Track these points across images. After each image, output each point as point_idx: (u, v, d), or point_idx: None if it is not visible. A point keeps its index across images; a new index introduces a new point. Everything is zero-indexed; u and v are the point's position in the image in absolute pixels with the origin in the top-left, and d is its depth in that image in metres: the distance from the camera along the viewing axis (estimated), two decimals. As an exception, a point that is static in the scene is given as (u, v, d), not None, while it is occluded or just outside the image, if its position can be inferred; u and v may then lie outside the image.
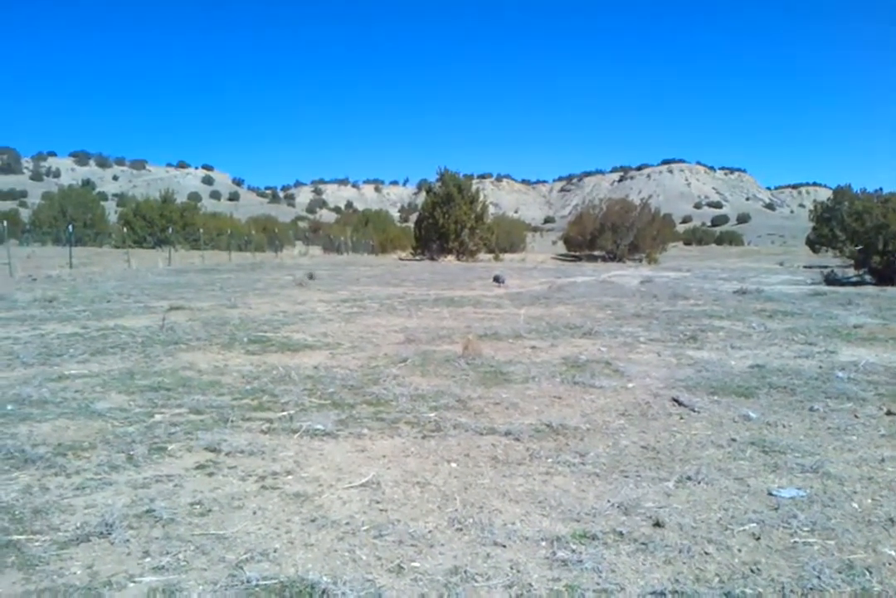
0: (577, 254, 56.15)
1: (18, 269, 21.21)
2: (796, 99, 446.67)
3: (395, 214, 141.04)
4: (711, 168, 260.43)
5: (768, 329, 10.18)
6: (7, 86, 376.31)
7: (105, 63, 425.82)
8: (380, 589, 2.76)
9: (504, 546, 3.16)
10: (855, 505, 3.65)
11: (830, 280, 22.58)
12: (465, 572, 2.90)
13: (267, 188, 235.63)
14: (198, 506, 3.59)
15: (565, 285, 19.52)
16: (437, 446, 4.71)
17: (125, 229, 40.94)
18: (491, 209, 55.71)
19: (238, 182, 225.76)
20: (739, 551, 3.12)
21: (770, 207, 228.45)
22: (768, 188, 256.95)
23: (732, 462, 4.37)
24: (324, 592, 2.70)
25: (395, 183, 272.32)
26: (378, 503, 3.69)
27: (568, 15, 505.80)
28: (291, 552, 3.09)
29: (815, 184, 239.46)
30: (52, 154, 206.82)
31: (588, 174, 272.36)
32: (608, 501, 3.68)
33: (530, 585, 2.80)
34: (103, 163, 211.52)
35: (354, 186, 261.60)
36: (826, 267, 27.87)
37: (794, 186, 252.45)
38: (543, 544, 3.19)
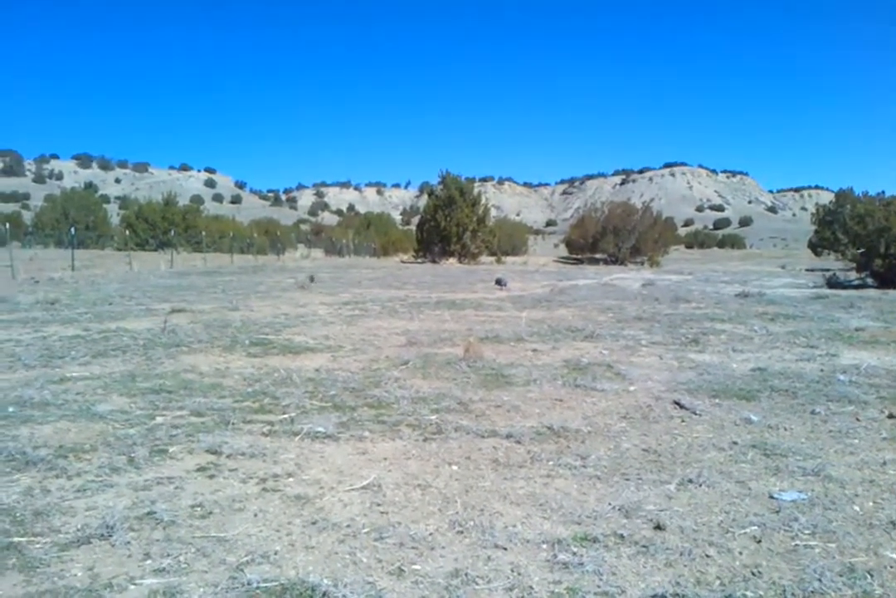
0: (579, 257, 56.23)
1: (21, 271, 21.24)
2: (798, 102, 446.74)
3: (397, 216, 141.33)
4: (713, 171, 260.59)
5: (770, 332, 10.17)
6: (10, 88, 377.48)
7: (108, 65, 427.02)
8: (380, 592, 2.76)
9: (505, 549, 3.16)
10: (856, 508, 3.64)
11: (832, 283, 22.56)
12: (466, 574, 2.90)
13: (269, 191, 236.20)
14: (199, 508, 3.59)
15: (567, 288, 19.51)
16: (438, 448, 4.71)
17: (127, 232, 41.08)
18: (493, 212, 55.76)
19: (240, 185, 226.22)
20: (740, 553, 3.12)
21: (772, 210, 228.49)
22: (770, 191, 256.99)
23: (734, 465, 4.36)
24: (324, 594, 2.70)
25: (397, 186, 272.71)
26: (379, 505, 3.68)
27: (569, 17, 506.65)
28: (292, 554, 3.09)
29: (817, 187, 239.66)
30: (55, 157, 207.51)
31: (590, 177, 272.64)
32: (609, 504, 3.68)
33: (531, 587, 2.80)
34: (106, 165, 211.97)
35: (356, 188, 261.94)
36: (828, 270, 27.86)
37: (797, 190, 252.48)
38: (544, 546, 3.19)
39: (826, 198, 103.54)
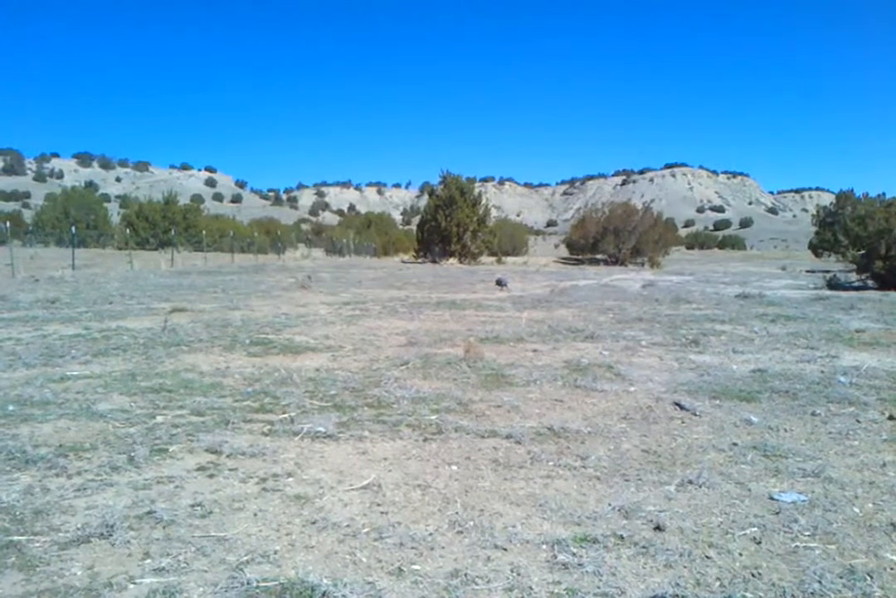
0: (580, 257, 56.21)
1: (21, 270, 21.23)
2: (800, 103, 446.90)
3: (398, 216, 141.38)
4: (714, 172, 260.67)
5: (770, 333, 10.16)
6: (10, 87, 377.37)
7: (109, 64, 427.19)
8: (380, 592, 2.76)
9: (505, 549, 3.16)
10: (856, 510, 3.64)
11: (833, 285, 22.55)
12: (466, 575, 2.90)
13: (270, 190, 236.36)
14: (198, 508, 3.59)
15: (567, 289, 19.51)
16: (438, 448, 4.70)
17: (128, 231, 41.06)
18: (493, 212, 55.72)
19: (241, 184, 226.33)
20: (740, 555, 3.12)
21: (773, 211, 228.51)
22: (771, 192, 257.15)
23: (734, 466, 4.36)
24: (324, 594, 2.70)
25: (397, 186, 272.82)
26: (379, 505, 3.68)
27: (570, 16, 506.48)
28: (292, 553, 3.09)
29: (817, 188, 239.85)
30: (56, 155, 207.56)
31: (591, 178, 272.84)
32: (609, 504, 3.68)
33: (531, 588, 2.80)
34: (106, 164, 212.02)
35: (357, 188, 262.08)
36: (828, 272, 27.86)
37: (797, 191, 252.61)
38: (544, 547, 3.19)
39: (827, 199, 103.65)
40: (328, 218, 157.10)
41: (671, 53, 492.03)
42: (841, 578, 2.89)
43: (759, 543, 3.24)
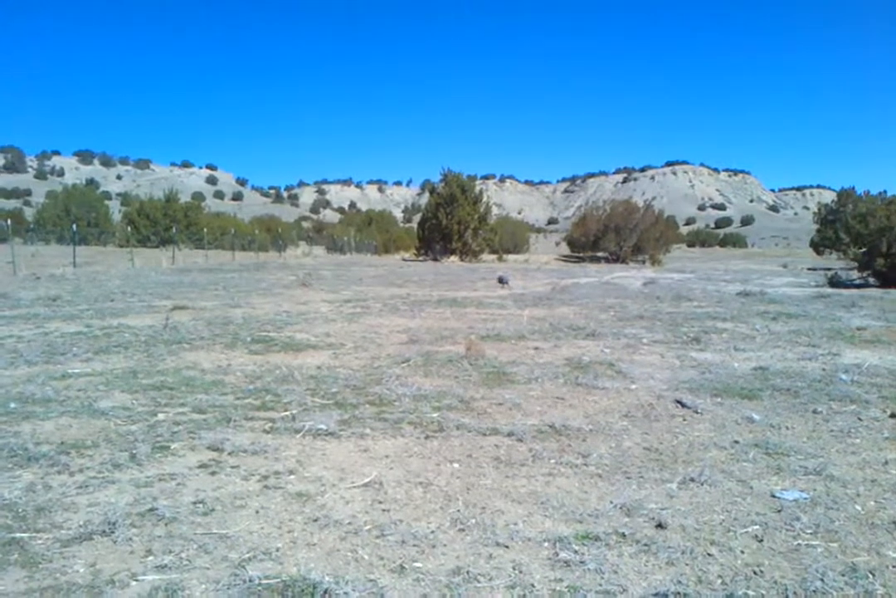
0: (581, 255, 56.15)
1: (22, 267, 21.24)
2: (801, 101, 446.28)
3: (399, 214, 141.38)
4: (715, 170, 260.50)
5: (772, 331, 10.16)
6: (11, 84, 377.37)
7: (110, 62, 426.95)
8: (382, 589, 2.76)
9: (506, 547, 3.16)
10: (858, 508, 3.64)
11: (834, 282, 22.55)
12: (468, 572, 2.90)
13: (271, 188, 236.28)
14: (200, 505, 3.59)
15: (568, 287, 19.51)
16: (439, 446, 4.71)
17: (129, 229, 41.04)
18: (494, 210, 55.75)
19: (242, 182, 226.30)
20: (742, 553, 3.11)
21: (774, 209, 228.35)
22: (772, 190, 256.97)
23: (735, 464, 4.36)
24: (326, 591, 2.70)
25: (398, 183, 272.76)
26: (380, 503, 3.69)
27: (571, 15, 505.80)
28: (294, 551, 3.09)
29: (819, 186, 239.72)
30: (57, 153, 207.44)
31: (592, 175, 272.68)
32: (611, 502, 3.68)
33: (533, 585, 2.80)
34: (107, 162, 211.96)
35: (358, 186, 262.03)
36: (830, 269, 27.85)
37: (799, 189, 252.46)
38: (546, 544, 3.19)
39: (828, 197, 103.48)
40: (329, 216, 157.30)
41: (672, 52, 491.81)
42: (843, 576, 2.89)
43: (761, 541, 3.24)
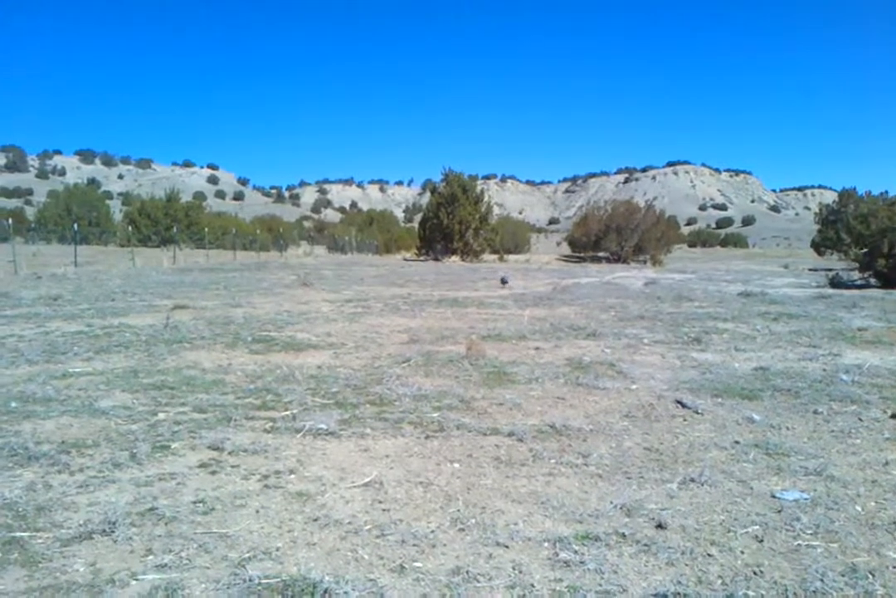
0: (582, 255, 56.10)
1: (24, 267, 21.26)
2: (802, 101, 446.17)
3: (400, 214, 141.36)
4: (716, 170, 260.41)
5: (772, 332, 10.16)
6: (13, 84, 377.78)
7: (111, 62, 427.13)
8: (382, 589, 2.76)
9: (506, 547, 3.16)
10: (858, 508, 3.64)
11: (835, 283, 22.52)
12: (468, 572, 2.90)
13: (272, 188, 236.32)
14: (200, 504, 3.59)
15: (569, 287, 19.50)
16: (440, 446, 4.71)
17: (130, 228, 41.09)
18: (495, 210, 55.73)
19: (243, 182, 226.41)
20: (742, 553, 3.11)
21: (775, 209, 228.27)
22: (773, 190, 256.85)
23: (736, 464, 4.36)
24: (326, 591, 2.70)
25: (399, 183, 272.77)
26: (381, 502, 3.69)
27: (572, 14, 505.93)
28: (294, 551, 3.09)
29: (820, 186, 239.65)
30: (58, 152, 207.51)
31: (593, 175, 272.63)
32: (611, 502, 3.68)
33: (532, 585, 2.80)
34: (109, 161, 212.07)
35: (359, 186, 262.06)
36: (831, 270, 27.81)
37: (800, 189, 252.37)
38: (546, 544, 3.19)
39: (829, 197, 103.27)
40: (330, 215, 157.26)
41: (674, 52, 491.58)
42: (843, 576, 2.88)
43: (761, 541, 3.23)
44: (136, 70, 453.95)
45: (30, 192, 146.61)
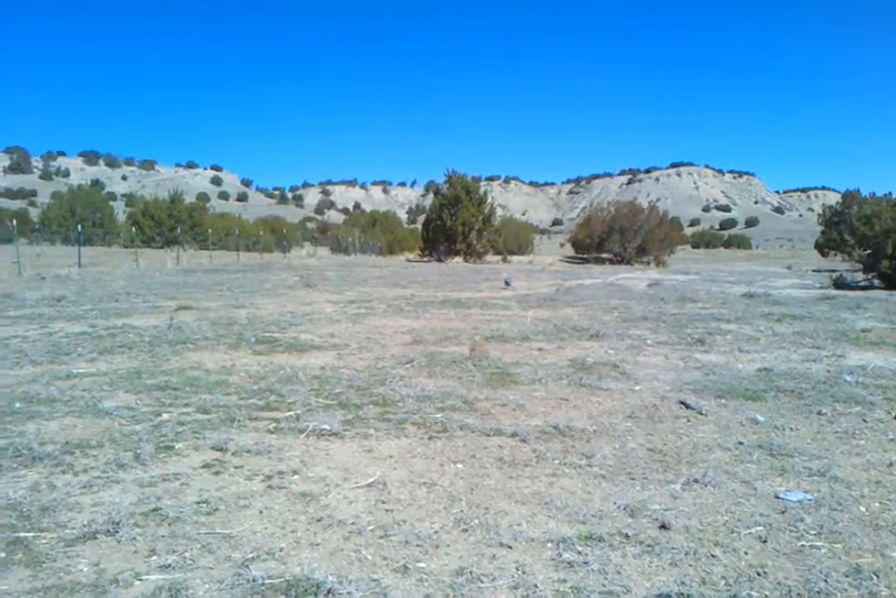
0: (585, 256, 56.08)
1: (27, 268, 21.30)
2: (806, 102, 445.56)
3: (403, 215, 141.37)
4: (720, 171, 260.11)
5: (776, 333, 10.14)
6: (17, 85, 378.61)
7: (115, 63, 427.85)
8: (385, 589, 2.76)
9: (510, 547, 3.16)
10: (862, 509, 3.63)
11: (839, 284, 22.49)
12: (471, 572, 2.90)
13: (275, 189, 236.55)
14: (204, 505, 3.60)
15: (573, 288, 19.49)
16: (443, 447, 4.71)
17: (134, 229, 41.15)
18: (499, 211, 55.66)
19: (246, 183, 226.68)
20: (746, 554, 3.11)
21: (779, 210, 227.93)
22: (777, 192, 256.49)
23: (739, 465, 4.35)
24: (329, 591, 2.70)
25: (403, 184, 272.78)
26: (384, 503, 3.69)
27: (575, 15, 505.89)
28: (297, 551, 3.10)
29: (824, 188, 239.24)
30: (62, 154, 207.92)
31: (596, 177, 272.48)
32: (614, 503, 3.68)
33: (536, 586, 2.80)
34: (112, 163, 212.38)
35: (362, 187, 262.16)
36: (835, 271, 27.81)
37: (803, 190, 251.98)
38: (549, 545, 3.18)
39: (833, 199, 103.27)
40: (333, 217, 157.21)
41: (677, 53, 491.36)
42: (847, 577, 2.88)
43: (765, 542, 3.23)
44: (140, 71, 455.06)
45: (34, 193, 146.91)
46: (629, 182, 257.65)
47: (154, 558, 3.01)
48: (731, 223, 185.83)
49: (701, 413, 5.59)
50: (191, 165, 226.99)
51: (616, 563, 3.01)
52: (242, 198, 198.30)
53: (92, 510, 3.50)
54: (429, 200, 70.06)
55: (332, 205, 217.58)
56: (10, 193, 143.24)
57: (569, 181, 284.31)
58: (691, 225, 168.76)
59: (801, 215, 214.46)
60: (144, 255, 30.82)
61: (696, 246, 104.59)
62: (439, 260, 45.29)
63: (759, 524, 3.43)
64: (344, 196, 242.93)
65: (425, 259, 47.41)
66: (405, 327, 10.50)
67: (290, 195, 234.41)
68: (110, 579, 2.82)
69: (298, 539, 3.22)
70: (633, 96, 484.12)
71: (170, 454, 4.40)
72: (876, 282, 23.44)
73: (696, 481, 4.01)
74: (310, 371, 7.04)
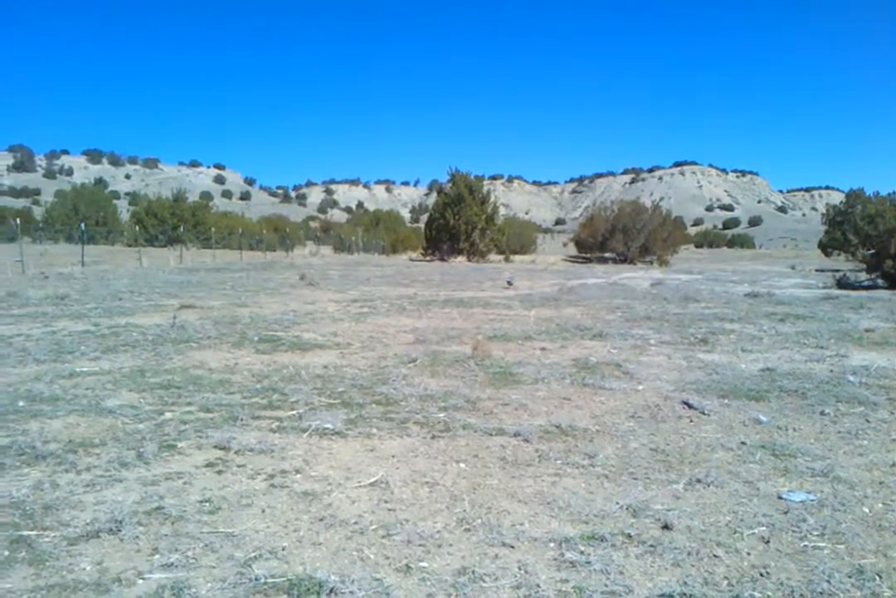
0: (588, 256, 56.08)
1: (31, 266, 21.34)
2: (809, 101, 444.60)
3: (406, 214, 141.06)
4: (723, 170, 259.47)
5: (779, 332, 10.13)
6: (21, 84, 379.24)
7: (118, 61, 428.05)
8: (387, 588, 2.76)
9: (512, 547, 3.16)
10: (865, 510, 3.63)
11: (842, 284, 22.45)
12: (473, 572, 2.90)
13: (278, 188, 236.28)
14: (207, 504, 3.60)
15: (576, 287, 19.48)
16: (445, 446, 4.71)
17: (137, 228, 41.14)
18: (502, 210, 55.60)
19: (250, 181, 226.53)
20: (748, 554, 3.11)
21: (782, 210, 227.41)
22: (780, 191, 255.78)
23: (742, 465, 4.35)
24: (331, 590, 2.70)
25: (406, 184, 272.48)
26: (386, 502, 3.69)
27: (578, 14, 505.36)
28: (300, 550, 3.10)
29: (827, 187, 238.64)
30: (66, 152, 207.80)
31: (599, 176, 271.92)
32: (617, 503, 3.67)
33: (538, 586, 2.80)
34: (116, 161, 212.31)
35: (365, 186, 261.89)
36: (838, 271, 27.74)
37: (807, 190, 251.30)
38: (552, 545, 3.19)
39: (836, 198, 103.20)
40: (337, 215, 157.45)
41: (680, 51, 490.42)
42: (850, 577, 2.88)
43: (768, 542, 3.23)
44: (143, 70, 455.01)
45: (37, 191, 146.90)
46: (632, 181, 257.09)
47: (157, 556, 3.01)
48: (734, 223, 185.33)
49: (704, 413, 5.58)
50: (194, 164, 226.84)
51: (618, 563, 3.00)
52: (245, 197, 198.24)
53: (95, 508, 3.51)
54: (432, 199, 70.12)
55: (335, 204, 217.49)
56: (14, 192, 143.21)
57: (572, 180, 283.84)
58: (694, 224, 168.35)
59: (804, 215, 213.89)
60: (147, 253, 30.85)
61: (699, 245, 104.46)
62: (442, 259, 45.29)
63: (761, 524, 3.42)
64: (347, 195, 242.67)
65: (428, 258, 47.40)
66: (408, 327, 10.50)
67: (293, 194, 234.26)
68: (113, 577, 2.82)
69: (301, 538, 3.22)
70: (637, 95, 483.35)
71: (172, 453, 4.41)
72: (879, 282, 23.39)
73: (698, 481, 4.01)
74: (312, 370, 7.05)
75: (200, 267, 26.63)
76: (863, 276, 24.80)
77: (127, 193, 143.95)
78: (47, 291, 14.49)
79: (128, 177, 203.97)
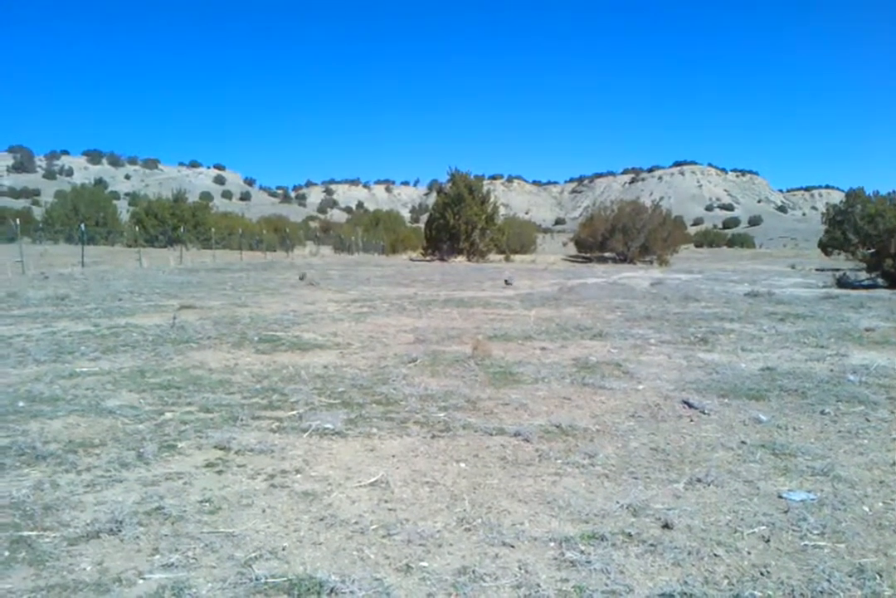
0: (588, 255, 56.05)
1: (31, 267, 21.34)
2: (809, 101, 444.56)
3: (406, 214, 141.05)
4: (723, 170, 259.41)
5: (779, 332, 10.13)
6: (21, 84, 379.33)
7: (118, 62, 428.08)
8: (388, 588, 2.76)
9: (512, 547, 3.16)
10: (866, 509, 3.63)
11: (842, 283, 22.45)
12: (474, 572, 2.90)
13: (278, 188, 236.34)
14: (207, 504, 3.60)
15: (576, 287, 19.48)
16: (446, 446, 4.71)
17: (137, 228, 41.13)
18: (502, 210, 55.59)
19: (249, 182, 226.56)
20: (749, 553, 3.11)
21: (782, 209, 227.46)
22: (780, 191, 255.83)
23: (742, 465, 4.35)
24: (332, 590, 2.70)
25: (405, 183, 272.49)
26: (387, 502, 3.69)
27: (578, 14, 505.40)
28: (300, 550, 3.10)
29: (827, 187, 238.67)
30: (65, 153, 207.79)
31: (599, 176, 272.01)
32: (617, 502, 3.67)
33: (538, 585, 2.80)
34: (116, 162, 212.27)
35: (365, 186, 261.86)
36: (838, 270, 27.69)
37: (807, 189, 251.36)
38: (552, 544, 3.18)
39: (836, 197, 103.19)
40: (336, 215, 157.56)
41: (680, 51, 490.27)
42: (850, 576, 2.88)
43: (768, 541, 3.23)
44: (143, 70, 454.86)
45: (37, 192, 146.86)
46: (632, 181, 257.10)
47: (157, 557, 3.01)
48: (734, 222, 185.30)
49: (704, 413, 5.58)
50: (194, 164, 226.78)
51: (619, 562, 3.00)
52: (245, 197, 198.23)
53: (95, 508, 3.51)
54: (432, 199, 70.14)
55: (335, 204, 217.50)
56: (14, 192, 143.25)
57: (572, 180, 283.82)
58: (694, 224, 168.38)
59: (804, 214, 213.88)
60: (147, 254, 30.84)
61: (699, 245, 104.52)
62: (442, 259, 45.29)
63: (762, 523, 3.42)
64: (347, 195, 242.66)
65: (428, 258, 47.41)
66: (408, 326, 10.50)
67: (293, 194, 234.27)
68: (113, 577, 2.82)
69: (301, 538, 3.22)
70: (636, 95, 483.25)
71: (173, 453, 4.41)
72: (879, 281, 23.38)
73: (698, 480, 4.01)
74: (312, 370, 7.05)
75: (200, 267, 26.63)
76: (863, 275, 24.79)
77: (127, 194, 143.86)
78: (47, 292, 14.49)
79: (128, 177, 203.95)
